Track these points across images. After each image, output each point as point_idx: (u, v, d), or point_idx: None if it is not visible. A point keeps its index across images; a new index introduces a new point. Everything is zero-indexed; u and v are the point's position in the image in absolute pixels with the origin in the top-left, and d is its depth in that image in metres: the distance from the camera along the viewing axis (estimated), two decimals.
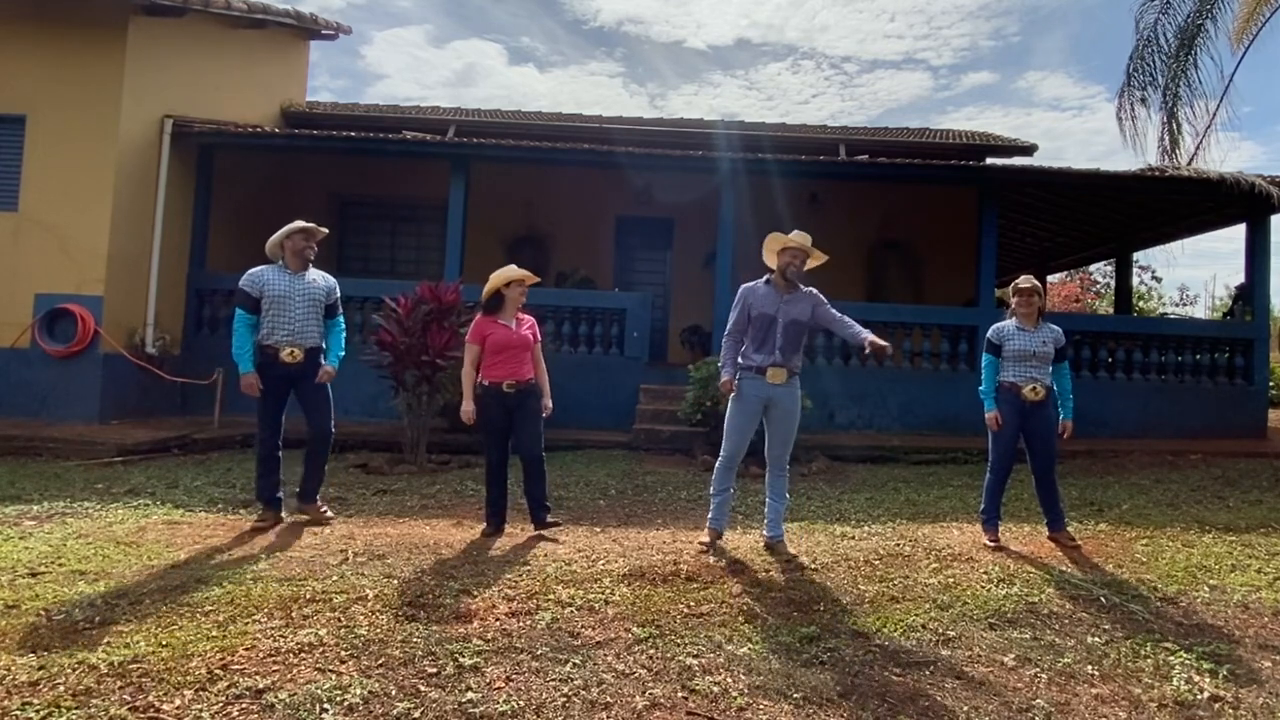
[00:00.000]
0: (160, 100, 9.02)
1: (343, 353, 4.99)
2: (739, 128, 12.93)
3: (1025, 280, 4.78)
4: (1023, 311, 4.73)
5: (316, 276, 4.83)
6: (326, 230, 4.91)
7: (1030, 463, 4.76)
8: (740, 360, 4.40)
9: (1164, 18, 11.12)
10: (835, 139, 12.44)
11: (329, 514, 4.80)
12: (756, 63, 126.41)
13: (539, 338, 4.88)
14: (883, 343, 4.13)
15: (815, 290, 4.49)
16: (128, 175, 8.54)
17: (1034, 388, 4.63)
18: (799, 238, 4.38)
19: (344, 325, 5.03)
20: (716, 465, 4.51)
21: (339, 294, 4.95)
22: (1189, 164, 11.25)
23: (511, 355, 4.63)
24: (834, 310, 4.42)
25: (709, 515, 4.51)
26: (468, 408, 4.63)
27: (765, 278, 4.47)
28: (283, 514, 4.78)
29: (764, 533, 4.52)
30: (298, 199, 11.93)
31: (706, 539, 4.41)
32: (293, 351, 4.62)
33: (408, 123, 12.31)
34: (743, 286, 4.50)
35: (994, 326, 4.86)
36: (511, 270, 4.73)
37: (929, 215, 12.20)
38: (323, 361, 4.81)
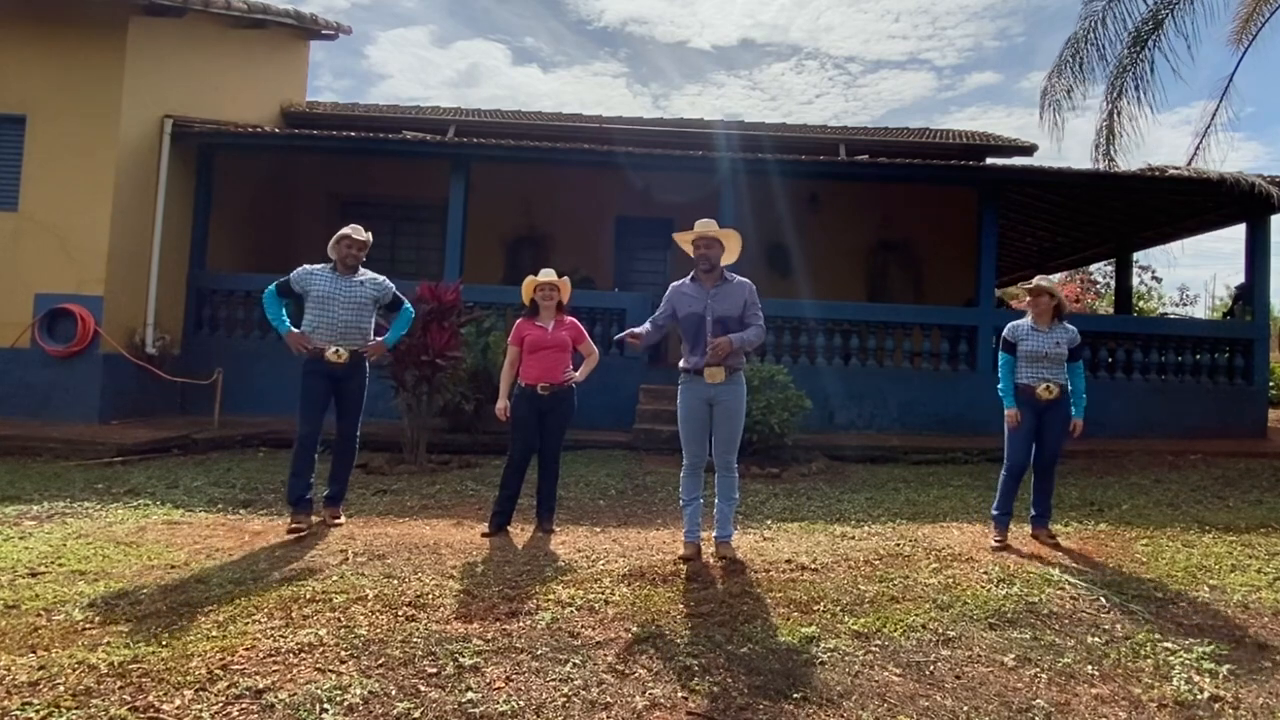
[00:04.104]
0: (160, 100, 9.02)
1: (405, 332, 5.11)
2: (739, 128, 12.92)
3: (1041, 279, 4.82)
4: (1034, 311, 4.77)
5: (365, 278, 4.89)
6: (370, 237, 4.93)
7: (1037, 455, 4.79)
8: (681, 364, 4.24)
9: (1112, 7, 10.58)
10: (835, 139, 12.42)
11: (341, 521, 4.87)
12: (760, 63, 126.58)
13: (584, 336, 4.99)
14: (716, 346, 4.01)
15: (749, 282, 4.24)
16: (128, 175, 8.54)
17: (1047, 386, 4.66)
18: (702, 226, 4.19)
19: (412, 314, 5.14)
20: (681, 474, 4.32)
21: (393, 288, 5.00)
22: (1189, 164, 11.18)
23: (546, 356, 4.74)
24: (759, 309, 4.20)
25: (684, 529, 4.29)
26: (501, 404, 4.77)
27: (691, 274, 4.28)
28: (313, 517, 4.74)
29: (713, 533, 4.31)
30: (298, 199, 11.97)
31: (684, 553, 4.18)
32: (338, 352, 4.67)
33: (408, 123, 12.30)
34: (671, 285, 4.34)
35: (1010, 325, 4.87)
36: (532, 277, 4.88)
37: (929, 215, 12.19)
38: (370, 340, 4.87)
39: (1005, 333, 4.85)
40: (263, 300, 4.79)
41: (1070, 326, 4.77)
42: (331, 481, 4.94)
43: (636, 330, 4.29)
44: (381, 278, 5.00)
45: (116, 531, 4.49)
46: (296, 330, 4.69)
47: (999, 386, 4.87)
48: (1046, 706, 2.62)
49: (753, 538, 4.74)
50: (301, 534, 4.52)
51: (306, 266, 4.78)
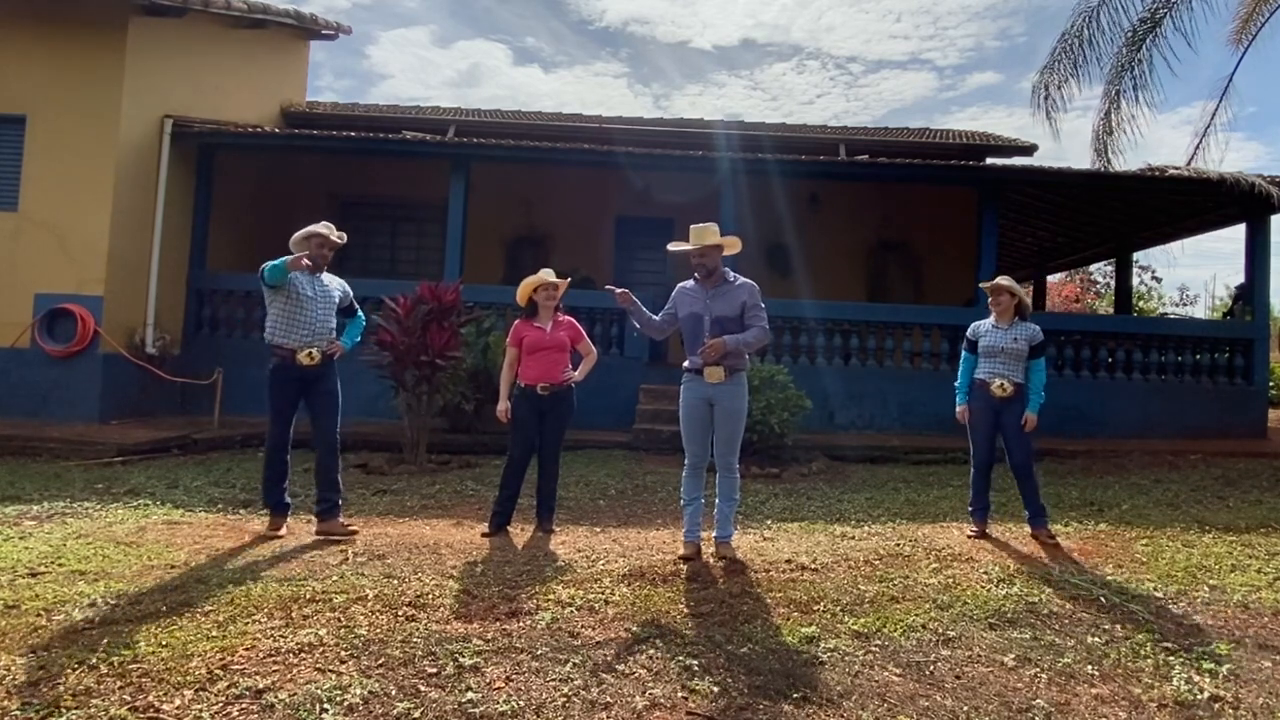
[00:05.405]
0: (160, 100, 9.02)
1: (359, 339, 5.10)
2: (739, 128, 12.92)
3: (1001, 279, 4.96)
4: (995, 310, 4.90)
5: (331, 279, 4.85)
6: (344, 238, 4.81)
7: (1008, 458, 4.87)
8: (685, 364, 4.28)
9: (1106, 3, 10.35)
10: (835, 139, 12.43)
11: (353, 528, 4.68)
12: (762, 63, 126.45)
13: (582, 335, 5.03)
14: (710, 347, 4.05)
15: (751, 283, 4.25)
16: (128, 175, 8.54)
17: (1001, 384, 4.76)
18: (695, 236, 4.17)
19: (364, 322, 5.15)
20: (683, 475, 4.34)
21: (352, 293, 4.99)
22: (1188, 164, 11.15)
23: (545, 357, 4.75)
24: (759, 310, 4.18)
25: (684, 529, 4.32)
26: (502, 406, 4.78)
27: (694, 275, 4.32)
28: (289, 519, 4.71)
29: (713, 533, 4.33)
30: (298, 199, 11.95)
31: (684, 553, 4.19)
32: (310, 353, 4.59)
33: (408, 123, 12.30)
34: (678, 285, 4.39)
35: (973, 324, 5.05)
36: (533, 277, 4.87)
37: (929, 215, 12.20)
38: (334, 339, 4.77)
39: (968, 331, 5.02)
40: (268, 271, 4.39)
41: (1033, 325, 4.88)
42: (322, 496, 4.77)
43: (633, 298, 4.34)
44: (341, 280, 4.94)
45: (116, 531, 4.48)
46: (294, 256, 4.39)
47: (955, 384, 5.05)
48: (1046, 706, 2.62)
49: (753, 538, 4.74)
50: (274, 538, 4.45)
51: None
